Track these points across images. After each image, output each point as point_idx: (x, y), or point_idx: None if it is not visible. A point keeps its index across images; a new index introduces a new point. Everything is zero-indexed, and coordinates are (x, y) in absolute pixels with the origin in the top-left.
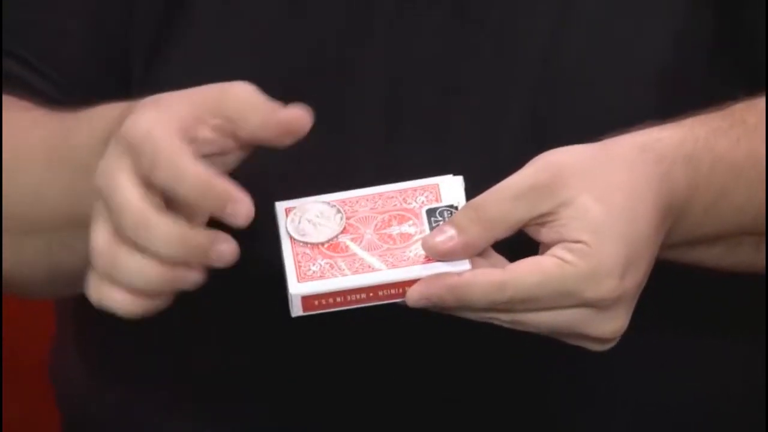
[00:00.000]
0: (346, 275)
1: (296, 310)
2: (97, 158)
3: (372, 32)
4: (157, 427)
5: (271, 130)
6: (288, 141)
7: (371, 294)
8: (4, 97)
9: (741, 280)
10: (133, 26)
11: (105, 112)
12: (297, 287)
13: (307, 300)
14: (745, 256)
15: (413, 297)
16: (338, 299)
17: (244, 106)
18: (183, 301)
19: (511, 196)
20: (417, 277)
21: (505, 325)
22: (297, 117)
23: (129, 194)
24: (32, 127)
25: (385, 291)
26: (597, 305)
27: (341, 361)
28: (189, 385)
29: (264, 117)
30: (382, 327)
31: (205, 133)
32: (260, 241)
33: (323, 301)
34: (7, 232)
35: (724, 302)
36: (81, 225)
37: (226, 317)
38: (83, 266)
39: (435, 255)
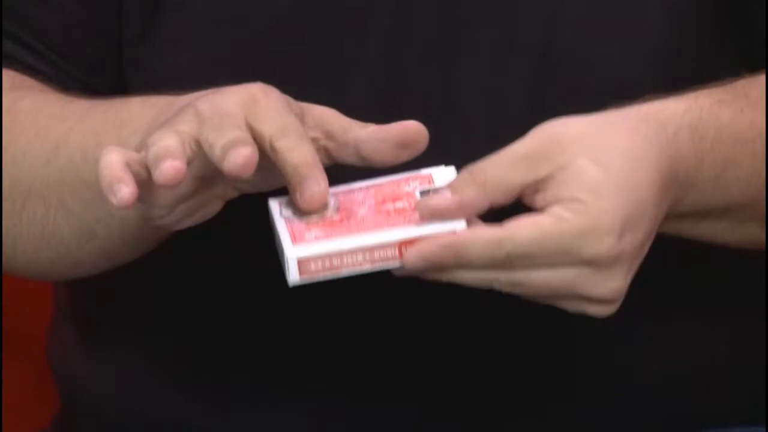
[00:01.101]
0: (342, 237)
1: (293, 275)
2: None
3: (371, 23)
4: (154, 406)
5: (385, 143)
6: (403, 155)
7: (367, 256)
8: (19, 77)
9: (740, 258)
10: (124, 9)
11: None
12: (293, 250)
13: (303, 264)
14: (752, 233)
15: (410, 258)
16: (335, 262)
17: (342, 120)
18: (179, 282)
19: (508, 161)
20: (413, 237)
21: (505, 289)
22: (415, 129)
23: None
24: (70, 101)
25: (381, 252)
26: (595, 263)
27: (336, 341)
28: (186, 364)
29: (374, 131)
30: (377, 302)
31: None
32: (256, 237)
33: (320, 264)
34: (6, 201)
35: (723, 280)
36: (88, 186)
37: (223, 296)
38: (75, 233)
39: (430, 214)
